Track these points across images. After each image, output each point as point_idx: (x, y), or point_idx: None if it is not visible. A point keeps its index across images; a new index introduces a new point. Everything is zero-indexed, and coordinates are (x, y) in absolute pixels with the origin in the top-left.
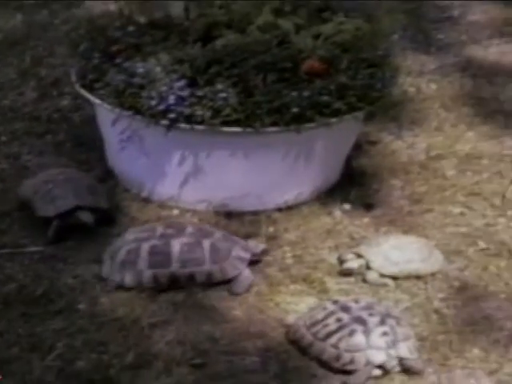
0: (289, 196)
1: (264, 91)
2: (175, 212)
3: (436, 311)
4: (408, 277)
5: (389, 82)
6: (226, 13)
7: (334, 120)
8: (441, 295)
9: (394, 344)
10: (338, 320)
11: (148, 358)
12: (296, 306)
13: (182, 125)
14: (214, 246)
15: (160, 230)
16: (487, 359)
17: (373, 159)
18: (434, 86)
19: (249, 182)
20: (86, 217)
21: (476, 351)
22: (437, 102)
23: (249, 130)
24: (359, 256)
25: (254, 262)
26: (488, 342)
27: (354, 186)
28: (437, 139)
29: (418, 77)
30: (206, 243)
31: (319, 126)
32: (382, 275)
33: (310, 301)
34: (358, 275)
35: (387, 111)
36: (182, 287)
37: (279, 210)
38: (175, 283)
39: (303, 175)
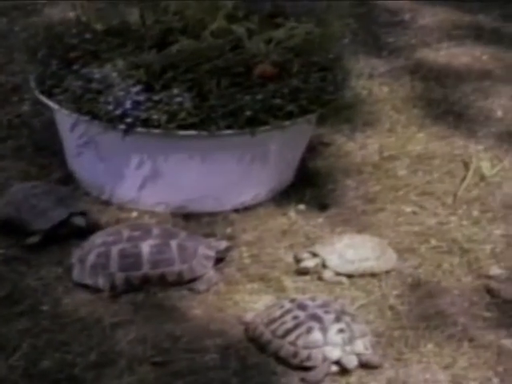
0: (245, 197)
1: (218, 95)
2: (134, 214)
3: (391, 308)
4: (363, 275)
5: (340, 84)
6: (180, 19)
7: (287, 123)
8: (395, 292)
9: (350, 340)
10: (295, 317)
11: (111, 356)
12: (254, 305)
13: (139, 129)
14: (182, 246)
15: (127, 232)
16: (441, 354)
17: (327, 160)
18: (385, 89)
19: (206, 184)
20: (80, 221)
21: (430, 346)
22: (388, 104)
23: (204, 133)
24: (315, 255)
25: (218, 260)
26: (442, 337)
27: (308, 186)
28: (389, 140)
29: (370, 79)
30: (174, 243)
31: (273, 128)
32: (338, 273)
33: (268, 299)
34: (315, 274)
35: (339, 113)
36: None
37: (236, 211)
38: (146, 284)
39: (259, 177)
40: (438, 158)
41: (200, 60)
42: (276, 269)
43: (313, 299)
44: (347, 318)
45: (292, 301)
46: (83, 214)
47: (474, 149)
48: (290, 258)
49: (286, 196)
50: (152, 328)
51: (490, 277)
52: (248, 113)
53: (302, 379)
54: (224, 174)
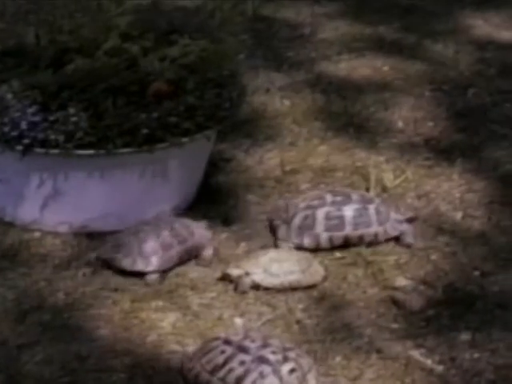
0: (148, 215)
1: (114, 114)
2: (37, 235)
3: (298, 322)
4: (289, 288)
5: (236, 100)
6: (75, 38)
7: (184, 140)
8: (301, 306)
9: (303, 378)
10: (242, 363)
11: (18, 378)
12: (160, 323)
13: (37, 149)
14: (378, 210)
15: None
16: (349, 366)
17: (228, 176)
18: (286, 103)
19: (108, 202)
20: None
21: (338, 359)
22: (289, 118)
23: (102, 152)
24: (240, 268)
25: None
26: (350, 349)
27: (211, 202)
28: (290, 154)
29: (271, 94)
30: (371, 208)
31: (171, 145)
32: (258, 287)
33: (173, 316)
34: (230, 285)
35: (239, 129)
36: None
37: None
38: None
39: (161, 194)
40: (339, 171)
41: (95, 79)
42: (181, 285)
43: (250, 339)
44: (292, 354)
45: (228, 342)
46: None
47: (376, 160)
48: (195, 274)
49: (189, 212)
50: (59, 349)
51: (395, 288)
52: (145, 131)
53: None
54: (125, 193)
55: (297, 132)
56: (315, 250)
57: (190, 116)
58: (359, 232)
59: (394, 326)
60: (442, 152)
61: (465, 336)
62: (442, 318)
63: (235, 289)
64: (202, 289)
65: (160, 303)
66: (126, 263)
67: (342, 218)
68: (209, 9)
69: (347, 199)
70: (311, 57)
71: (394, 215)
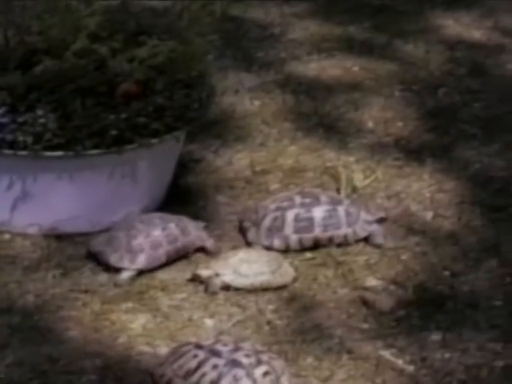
0: (118, 216)
1: (82, 115)
2: (6, 236)
3: (268, 323)
4: (259, 289)
5: (205, 101)
6: (44, 39)
7: (153, 141)
8: (271, 307)
9: (277, 380)
10: (215, 367)
11: None
12: (130, 324)
13: (6, 151)
14: (347, 211)
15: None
16: (320, 367)
17: (198, 177)
18: (256, 103)
19: (77, 204)
20: None
21: (309, 360)
22: (259, 118)
23: (71, 153)
24: (210, 269)
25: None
26: (320, 350)
27: (181, 203)
28: (261, 154)
29: (240, 94)
30: (341, 209)
31: (139, 147)
32: (228, 288)
33: (144, 318)
34: (200, 286)
35: (208, 129)
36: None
37: (109, 230)
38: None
39: (130, 195)
40: (309, 171)
41: (64, 80)
42: (151, 287)
43: (221, 342)
44: (265, 357)
45: (199, 347)
46: None
47: (346, 161)
48: (165, 275)
49: None
50: (29, 351)
51: (365, 288)
52: (113, 132)
53: None
54: (94, 194)
55: (267, 132)
56: (285, 251)
57: (159, 117)
58: (329, 234)
59: (365, 326)
60: (412, 152)
61: (435, 336)
62: (413, 318)
63: (205, 290)
64: (172, 290)
65: (130, 305)
66: (113, 259)
67: (311, 219)
68: (177, 9)
69: (316, 201)
70: (281, 57)
71: (363, 216)
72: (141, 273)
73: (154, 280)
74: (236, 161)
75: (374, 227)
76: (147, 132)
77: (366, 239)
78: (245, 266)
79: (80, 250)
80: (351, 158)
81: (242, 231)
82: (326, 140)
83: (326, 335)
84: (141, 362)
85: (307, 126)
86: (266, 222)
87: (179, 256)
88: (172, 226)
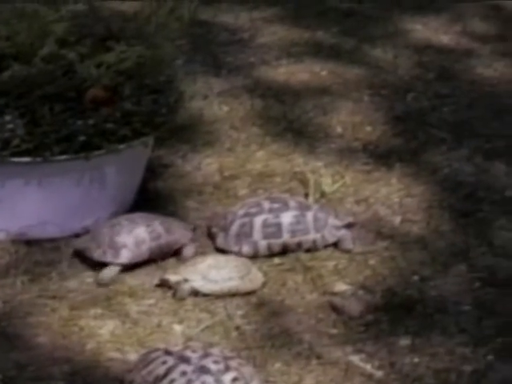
0: (87, 222)
1: (51, 121)
2: None
3: (236, 328)
4: (228, 294)
5: (173, 106)
6: (12, 45)
7: (121, 146)
8: (240, 312)
9: None
10: (183, 373)
11: None
12: (99, 330)
13: None
14: (315, 217)
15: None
16: (289, 372)
17: (167, 182)
18: (225, 108)
19: (45, 209)
20: None
21: (278, 365)
22: (228, 123)
23: (39, 159)
24: (179, 274)
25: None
26: (289, 355)
27: (150, 209)
28: (229, 159)
29: (209, 99)
30: (309, 215)
31: (108, 152)
32: (196, 293)
33: (112, 324)
34: (168, 292)
35: (177, 135)
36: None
37: (78, 236)
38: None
39: (99, 201)
40: (278, 176)
41: (32, 86)
42: (119, 292)
43: (190, 349)
44: (234, 363)
45: (168, 353)
46: None
47: (314, 165)
48: (134, 281)
49: None
50: None
51: (334, 293)
52: (81, 138)
53: None
54: (62, 200)
55: (235, 138)
56: (254, 257)
57: (127, 122)
58: (297, 239)
59: (334, 331)
60: (380, 157)
61: (404, 341)
62: (382, 323)
63: (174, 295)
64: (140, 296)
65: (99, 310)
66: (97, 254)
67: (279, 225)
68: (146, 14)
69: (285, 206)
70: (250, 62)
71: (332, 221)
72: (123, 270)
73: (123, 285)
74: (205, 166)
75: (343, 232)
76: (115, 138)
77: (336, 244)
78: (213, 272)
79: (49, 256)
80: (320, 163)
81: (211, 237)
82: (294, 145)
83: (295, 340)
84: (109, 368)
85: (276, 131)
86: (234, 227)
87: (163, 254)
88: (156, 223)
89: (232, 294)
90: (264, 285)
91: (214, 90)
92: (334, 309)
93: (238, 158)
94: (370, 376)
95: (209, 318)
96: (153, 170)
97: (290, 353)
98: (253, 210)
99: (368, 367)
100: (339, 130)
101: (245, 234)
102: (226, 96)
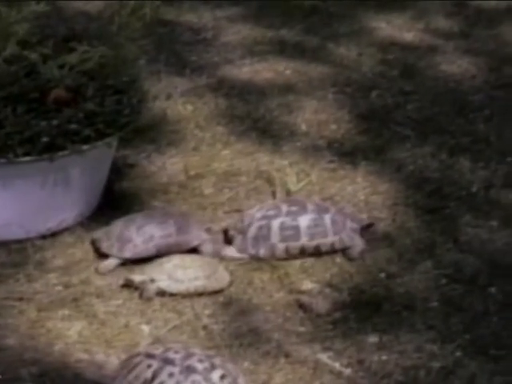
0: (52, 223)
1: (14, 122)
2: None
3: (204, 328)
4: (194, 294)
5: (137, 106)
6: None
7: (85, 147)
8: (208, 312)
9: (235, 382)
10: (171, 375)
11: None
12: (67, 331)
13: None
14: (333, 220)
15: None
16: (257, 371)
17: (132, 182)
18: (189, 107)
19: (10, 211)
20: None
21: (246, 364)
22: (192, 123)
23: (3, 160)
24: (145, 274)
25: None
26: (258, 354)
27: (116, 209)
28: (194, 159)
29: (173, 99)
30: (327, 217)
31: (71, 153)
32: (163, 293)
33: (80, 325)
34: (135, 292)
35: (142, 135)
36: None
37: (44, 237)
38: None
39: (63, 202)
40: (243, 175)
41: None
42: (86, 294)
43: (172, 350)
44: (218, 361)
45: (151, 356)
46: None
47: (280, 164)
48: (101, 282)
49: (94, 220)
50: None
51: (301, 292)
52: (45, 139)
53: None
54: (27, 201)
55: (200, 137)
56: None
57: (91, 123)
58: (315, 242)
59: (302, 329)
60: (345, 154)
61: (372, 338)
62: (349, 321)
63: (140, 296)
64: (107, 296)
65: (66, 312)
66: (105, 245)
67: (297, 228)
68: (108, 14)
69: (302, 209)
70: (214, 61)
71: (350, 224)
72: (125, 264)
73: (90, 286)
74: (170, 165)
75: (357, 241)
76: (79, 138)
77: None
78: (180, 272)
79: (15, 257)
80: (285, 162)
81: (228, 239)
82: (259, 144)
83: (263, 339)
84: (78, 368)
85: (240, 130)
86: (252, 230)
87: (172, 252)
88: (171, 221)
89: (199, 294)
90: (231, 284)
91: (178, 89)
92: (302, 307)
93: (203, 157)
94: (338, 374)
95: (176, 318)
96: (118, 171)
97: (259, 352)
98: (270, 213)
99: (336, 365)
100: (304, 128)
101: (263, 236)
102: (190, 95)
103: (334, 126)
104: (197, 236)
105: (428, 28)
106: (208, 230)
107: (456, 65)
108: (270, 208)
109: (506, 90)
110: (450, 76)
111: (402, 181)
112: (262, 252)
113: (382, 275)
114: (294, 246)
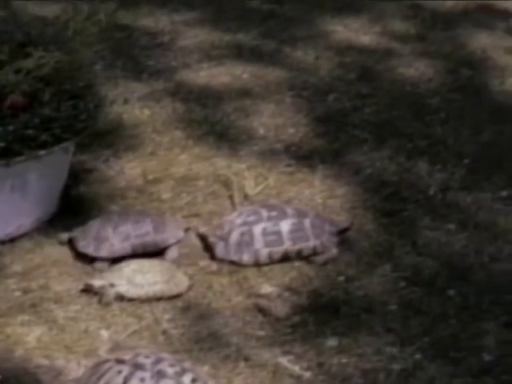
0: (10, 229)
1: None
2: None
3: (163, 332)
4: (153, 299)
5: (93, 111)
6: None
7: (42, 152)
8: (167, 316)
9: None
10: (142, 380)
11: None
12: (26, 337)
13: None
14: (313, 224)
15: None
16: (217, 375)
17: (90, 187)
18: (147, 112)
19: None
20: None
21: (206, 368)
22: (150, 127)
23: None
24: (104, 279)
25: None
26: (217, 358)
27: (74, 214)
28: (152, 163)
29: (131, 104)
30: (307, 222)
31: (28, 159)
32: (122, 298)
33: (39, 330)
34: (95, 297)
35: (99, 140)
36: None
37: (2, 242)
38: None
39: (21, 207)
40: (201, 179)
41: None
42: (46, 299)
43: (142, 355)
44: (188, 365)
45: (121, 362)
46: None
47: (237, 168)
48: (60, 287)
49: (52, 225)
50: None
51: (260, 295)
52: (1, 144)
53: None
54: None
55: (158, 141)
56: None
57: (47, 128)
58: (298, 246)
59: (261, 333)
60: (303, 158)
61: (332, 341)
62: (308, 324)
63: (100, 301)
64: (66, 302)
65: (25, 317)
66: (81, 245)
67: (279, 233)
68: (63, 19)
69: (282, 214)
70: (171, 65)
71: (328, 228)
72: (114, 261)
73: (49, 292)
74: (128, 170)
75: (334, 251)
76: (36, 144)
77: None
78: (139, 276)
79: None
80: (242, 166)
81: (208, 246)
82: (217, 148)
83: (223, 343)
84: (38, 374)
85: (198, 134)
86: (234, 236)
87: (148, 251)
88: (147, 220)
89: (158, 298)
90: (190, 288)
91: (135, 94)
92: (261, 311)
93: (161, 161)
94: (298, 377)
95: (136, 323)
96: (75, 176)
97: (218, 356)
98: (251, 219)
99: (296, 368)
100: (261, 132)
101: (246, 242)
102: (148, 100)
103: (291, 130)
104: (174, 235)
105: (385, 31)
106: (186, 230)
107: (413, 68)
108: (249, 214)
109: (462, 92)
110: (407, 79)
111: (359, 184)
112: (246, 258)
113: (341, 278)
114: (278, 250)
